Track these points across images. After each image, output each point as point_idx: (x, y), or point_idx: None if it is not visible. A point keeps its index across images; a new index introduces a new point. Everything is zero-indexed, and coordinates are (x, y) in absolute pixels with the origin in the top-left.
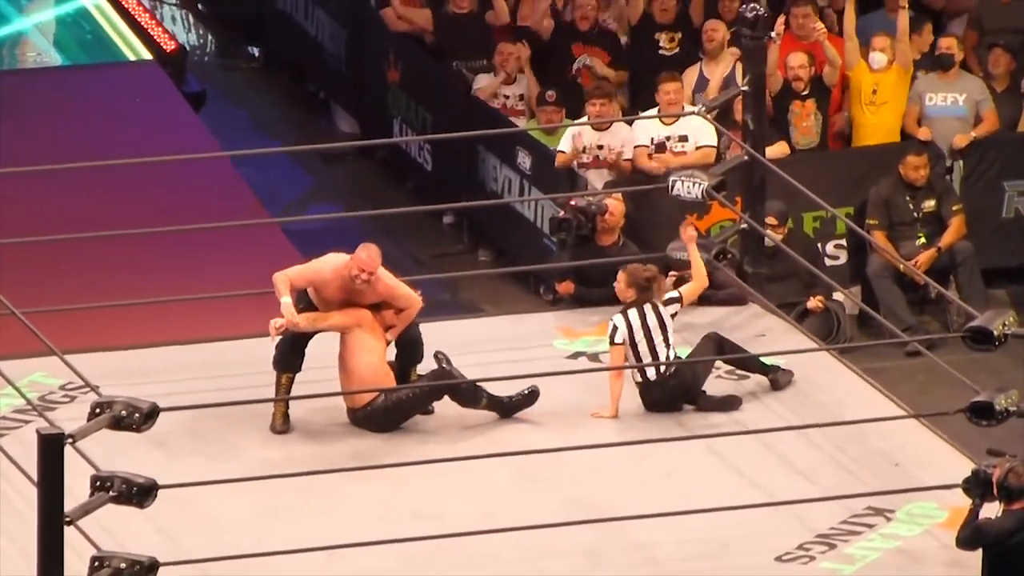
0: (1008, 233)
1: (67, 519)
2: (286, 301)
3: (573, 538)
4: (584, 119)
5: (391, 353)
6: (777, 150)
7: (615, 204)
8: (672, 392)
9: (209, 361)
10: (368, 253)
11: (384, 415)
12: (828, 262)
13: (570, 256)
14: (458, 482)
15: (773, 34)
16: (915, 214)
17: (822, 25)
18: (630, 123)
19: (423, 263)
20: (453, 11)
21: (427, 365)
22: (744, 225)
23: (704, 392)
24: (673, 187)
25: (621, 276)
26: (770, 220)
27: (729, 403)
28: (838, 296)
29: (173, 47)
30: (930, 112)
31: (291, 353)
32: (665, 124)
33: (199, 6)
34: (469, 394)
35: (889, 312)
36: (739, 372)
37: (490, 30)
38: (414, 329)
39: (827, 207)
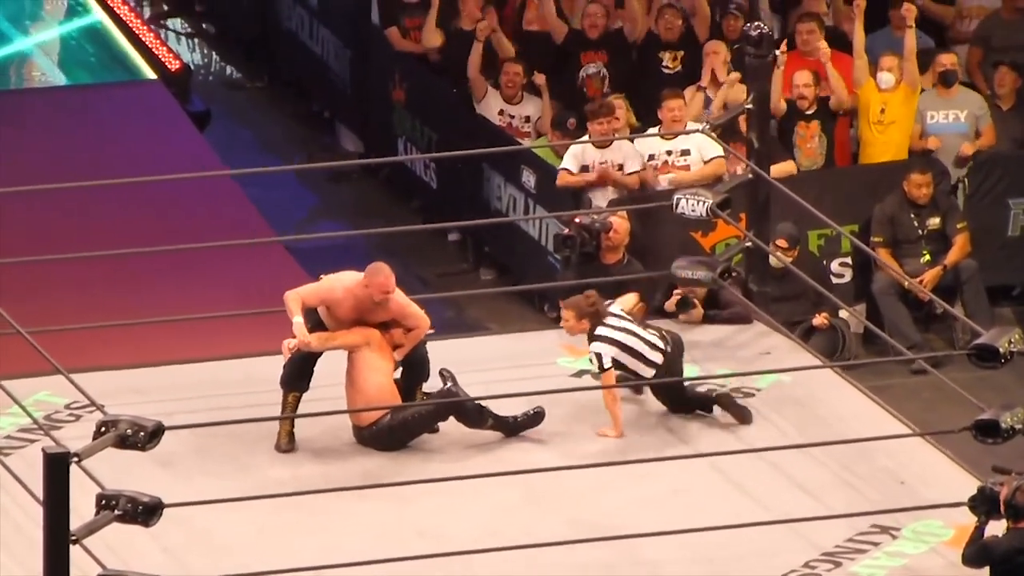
0: (1014, 251)
1: (73, 538)
2: (298, 321)
3: (579, 557)
4: (586, 137)
5: (397, 372)
6: (783, 169)
7: (620, 222)
8: (676, 364)
9: (214, 380)
10: (384, 274)
11: (390, 434)
12: (833, 280)
13: (574, 274)
14: (463, 501)
15: (778, 57)
16: (920, 231)
17: (826, 47)
18: (631, 140)
19: (428, 282)
20: (462, 29)
21: (433, 384)
22: (749, 243)
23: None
24: (678, 205)
25: (567, 314)
26: (780, 243)
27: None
28: (843, 314)
29: (178, 66)
30: (932, 129)
31: (299, 372)
32: (666, 139)
33: (204, 26)
34: (475, 414)
35: (894, 330)
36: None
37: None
38: (421, 348)
39: (833, 225)
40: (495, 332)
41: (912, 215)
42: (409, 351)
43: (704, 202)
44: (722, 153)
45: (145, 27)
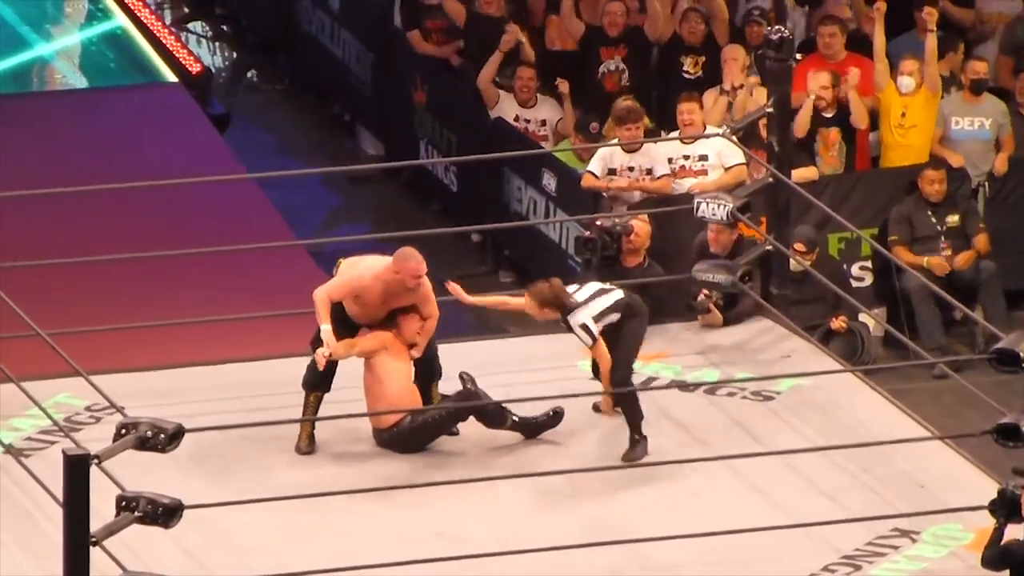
0: None
1: (93, 539)
2: (326, 329)
3: (596, 559)
4: (614, 141)
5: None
6: (805, 175)
7: (641, 225)
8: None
9: (234, 382)
10: (416, 259)
11: (410, 436)
12: (853, 283)
13: (595, 276)
14: (482, 503)
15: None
16: (938, 227)
17: (856, 75)
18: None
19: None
20: (484, 10)
21: (453, 386)
22: (769, 247)
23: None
24: (698, 209)
25: (530, 304)
26: (799, 247)
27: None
28: (863, 317)
29: (199, 69)
30: (955, 135)
31: (322, 373)
32: (685, 144)
33: (224, 28)
34: (494, 415)
35: (924, 330)
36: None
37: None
38: (431, 345)
39: (852, 228)
40: (515, 335)
41: (929, 212)
42: (424, 348)
43: (725, 206)
44: (743, 160)
45: (166, 30)
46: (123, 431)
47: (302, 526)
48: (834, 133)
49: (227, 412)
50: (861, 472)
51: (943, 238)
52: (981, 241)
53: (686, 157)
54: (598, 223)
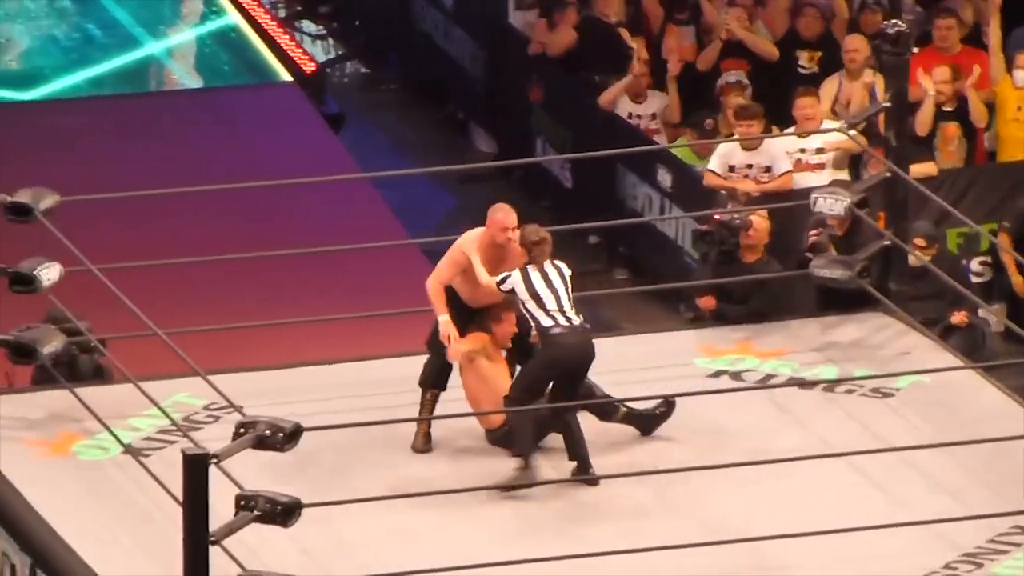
0: None
1: (212, 539)
2: (444, 319)
3: (712, 559)
4: (734, 137)
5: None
6: (924, 170)
7: (760, 221)
8: (574, 350)
9: (350, 381)
10: (503, 210)
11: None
12: (973, 279)
13: (712, 272)
14: (598, 500)
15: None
16: None
17: (977, 74)
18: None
19: None
20: (599, 16)
21: None
22: (888, 242)
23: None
24: (815, 204)
25: (515, 234)
26: (918, 242)
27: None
28: (983, 312)
29: (312, 68)
30: None
31: (439, 370)
32: (800, 138)
33: (336, 26)
34: (606, 407)
35: None
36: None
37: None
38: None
39: (971, 223)
40: (629, 332)
41: None
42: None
43: (842, 201)
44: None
45: (280, 28)
46: (242, 430)
47: (420, 525)
48: (953, 128)
49: (343, 411)
50: (982, 469)
51: None
52: None
53: (802, 151)
54: (716, 217)
